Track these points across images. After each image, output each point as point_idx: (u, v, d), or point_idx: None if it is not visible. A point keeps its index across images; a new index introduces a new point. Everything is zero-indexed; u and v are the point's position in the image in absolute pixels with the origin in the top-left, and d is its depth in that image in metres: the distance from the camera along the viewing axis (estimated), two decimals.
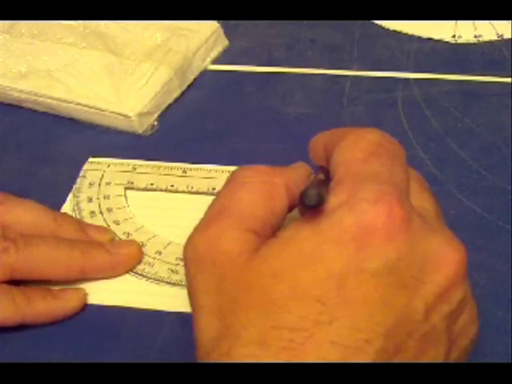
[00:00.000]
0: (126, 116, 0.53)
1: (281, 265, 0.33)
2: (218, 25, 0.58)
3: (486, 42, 0.57)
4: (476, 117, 0.52)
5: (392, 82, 0.55)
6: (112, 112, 0.53)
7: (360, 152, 0.36)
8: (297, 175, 0.38)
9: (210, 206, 0.36)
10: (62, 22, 0.58)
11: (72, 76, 0.55)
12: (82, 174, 0.51)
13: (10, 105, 0.56)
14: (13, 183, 0.50)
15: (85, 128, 0.54)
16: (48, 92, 0.54)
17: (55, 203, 0.48)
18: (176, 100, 0.55)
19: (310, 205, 0.33)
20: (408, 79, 0.55)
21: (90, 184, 0.50)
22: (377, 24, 0.59)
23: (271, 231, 0.35)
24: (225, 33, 0.58)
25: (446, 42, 0.57)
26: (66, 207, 0.49)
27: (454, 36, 0.57)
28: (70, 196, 0.49)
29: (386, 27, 0.58)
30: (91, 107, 0.54)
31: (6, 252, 0.43)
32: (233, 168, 0.46)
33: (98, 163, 0.51)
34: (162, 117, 0.54)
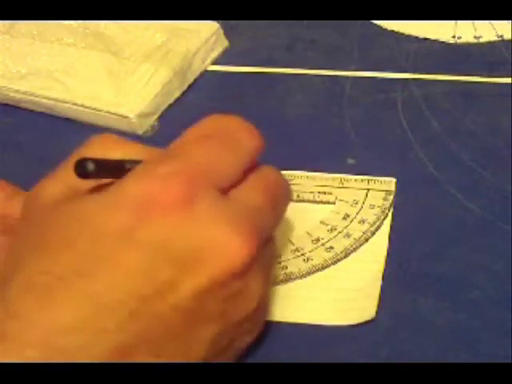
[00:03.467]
0: (126, 117, 0.53)
1: (63, 217, 0.35)
2: (217, 25, 0.58)
3: (485, 43, 0.57)
4: (476, 117, 0.52)
5: (391, 83, 0.54)
6: (112, 113, 0.53)
7: (198, 131, 0.37)
8: None
9: None
10: (61, 22, 0.58)
11: (72, 76, 0.55)
12: None
13: (9, 105, 0.56)
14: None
15: (84, 129, 0.54)
16: (47, 92, 0.54)
17: None
18: (176, 101, 0.55)
19: (78, 173, 0.34)
20: (408, 80, 0.55)
21: None
22: (376, 24, 0.59)
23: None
24: (224, 33, 0.58)
25: (446, 43, 0.57)
26: None
27: (453, 36, 0.57)
28: None
29: (386, 28, 0.58)
30: (91, 108, 0.54)
31: None
32: None
33: None
34: (162, 118, 0.54)
